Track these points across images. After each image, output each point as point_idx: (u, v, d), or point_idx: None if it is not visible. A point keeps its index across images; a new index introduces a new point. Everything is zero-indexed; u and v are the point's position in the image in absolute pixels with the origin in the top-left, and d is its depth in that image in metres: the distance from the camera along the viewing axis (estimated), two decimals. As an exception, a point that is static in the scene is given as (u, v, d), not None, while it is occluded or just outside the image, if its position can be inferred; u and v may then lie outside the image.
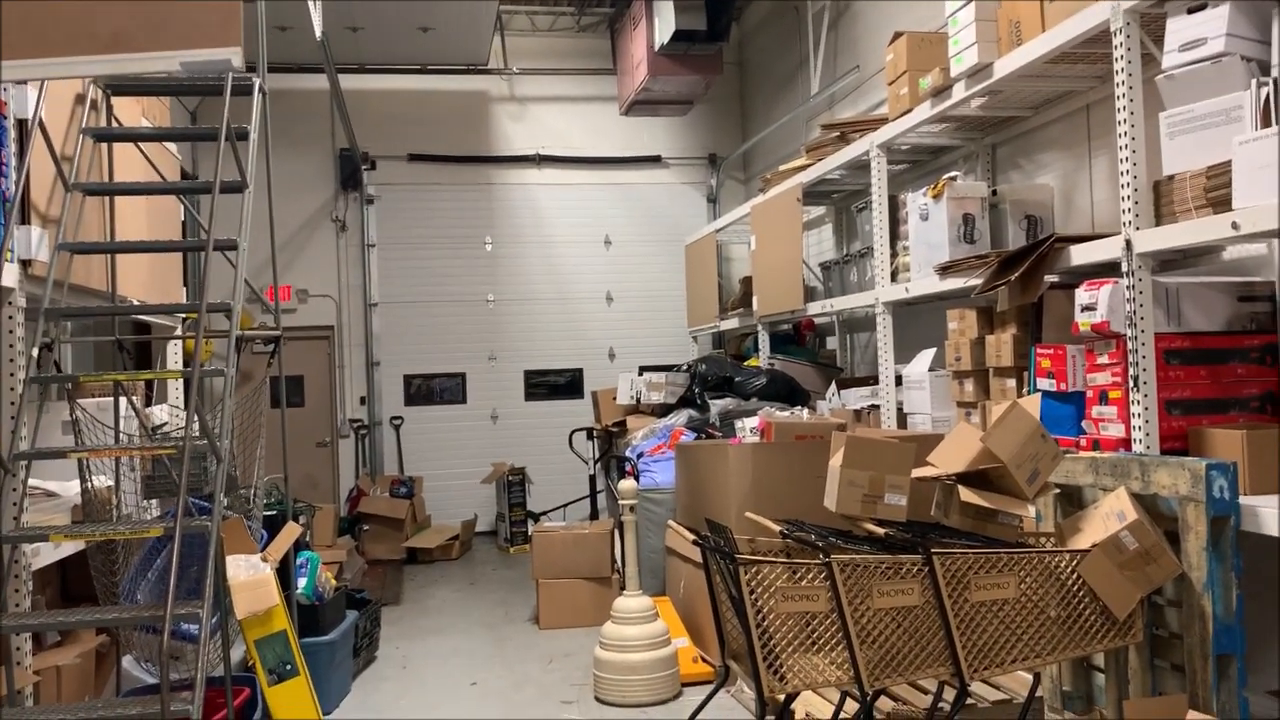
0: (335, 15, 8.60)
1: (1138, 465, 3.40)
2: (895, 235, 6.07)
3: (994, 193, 5.38)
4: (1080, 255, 4.18)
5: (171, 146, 5.82)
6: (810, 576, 3.12)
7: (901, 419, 5.93)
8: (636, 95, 9.77)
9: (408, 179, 10.99)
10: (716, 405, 7.37)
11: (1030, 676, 3.67)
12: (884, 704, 3.95)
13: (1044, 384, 4.28)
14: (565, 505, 9.98)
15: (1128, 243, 3.79)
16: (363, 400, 10.89)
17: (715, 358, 8.89)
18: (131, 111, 5.08)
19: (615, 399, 8.68)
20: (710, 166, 11.60)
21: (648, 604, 5.41)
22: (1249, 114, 3.34)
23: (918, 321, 6.49)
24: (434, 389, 11.07)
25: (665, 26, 8.80)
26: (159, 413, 5.59)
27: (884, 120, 6.07)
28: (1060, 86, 5.08)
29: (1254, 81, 3.36)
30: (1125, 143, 3.83)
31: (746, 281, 9.04)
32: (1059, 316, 4.43)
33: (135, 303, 5.00)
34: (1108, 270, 4.05)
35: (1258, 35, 3.48)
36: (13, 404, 3.69)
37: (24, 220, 3.86)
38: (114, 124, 4.75)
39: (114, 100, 4.73)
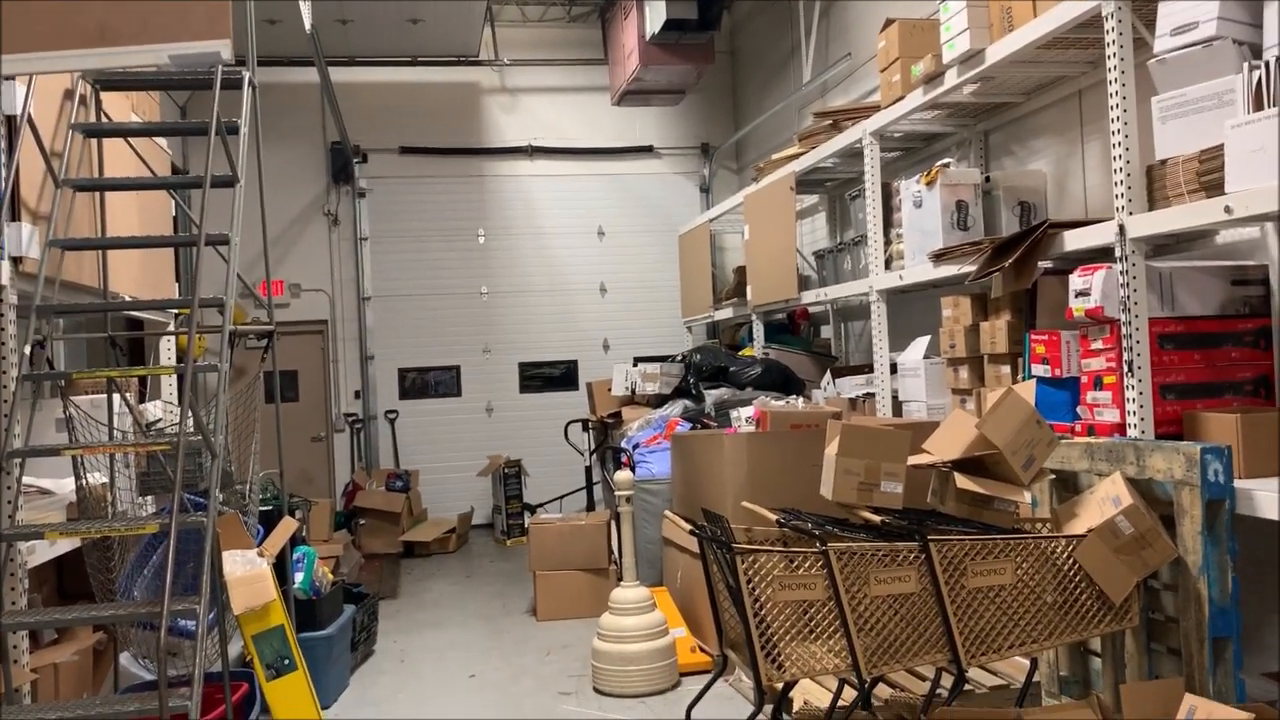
0: (324, 8, 8.55)
1: (1132, 450, 3.41)
2: (889, 223, 6.07)
3: (987, 179, 5.38)
4: (1074, 241, 4.18)
5: (162, 142, 5.79)
6: (807, 565, 3.12)
7: (897, 407, 5.94)
8: (628, 85, 9.74)
9: (399, 172, 10.96)
10: (712, 395, 7.37)
11: (1027, 662, 3.68)
12: (882, 691, 3.97)
13: (1038, 370, 4.29)
14: (562, 497, 9.98)
15: (1121, 228, 3.79)
16: (357, 394, 10.88)
17: (710, 348, 8.88)
18: (121, 107, 5.05)
19: (610, 390, 8.68)
20: (703, 156, 11.58)
21: (645, 595, 5.42)
22: (1241, 98, 3.34)
23: (912, 309, 6.49)
24: (428, 382, 11.06)
25: (656, 16, 8.77)
26: (153, 409, 5.57)
27: (876, 108, 6.06)
28: (1052, 72, 5.07)
29: (1246, 65, 3.35)
30: (1117, 128, 3.82)
31: (740, 271, 9.03)
32: (1053, 302, 4.43)
33: (127, 299, 4.98)
34: (1101, 255, 4.05)
35: (1249, 19, 3.47)
36: (6, 402, 3.68)
37: (14, 217, 3.84)
38: (103, 119, 4.72)
39: (103, 96, 4.71)
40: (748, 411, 6.19)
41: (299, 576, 5.32)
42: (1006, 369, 4.74)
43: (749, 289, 8.27)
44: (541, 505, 10.02)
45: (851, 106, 6.96)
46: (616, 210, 11.40)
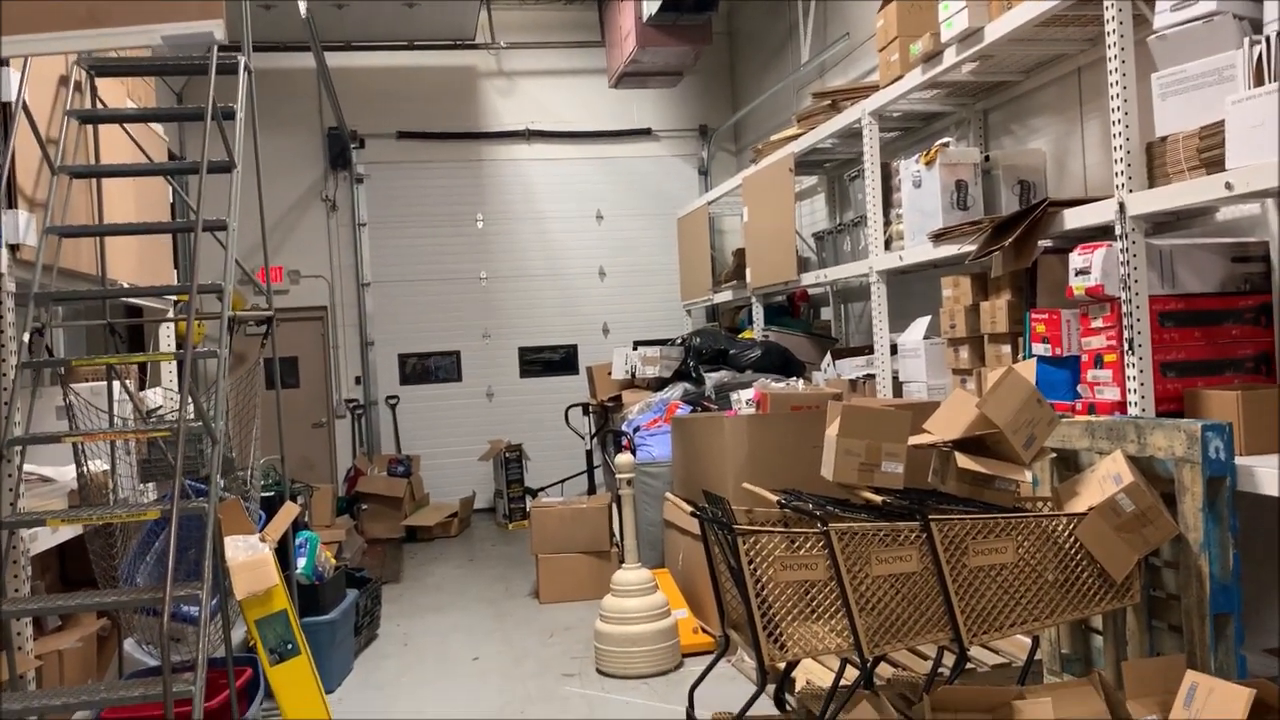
0: (320, -8, 8.51)
1: (1133, 428, 3.41)
2: (888, 203, 6.05)
3: (986, 158, 5.36)
4: (1074, 219, 4.16)
5: (158, 128, 5.76)
6: (809, 545, 3.13)
7: (897, 388, 5.94)
8: (625, 67, 9.69)
9: (397, 157, 10.92)
10: (712, 378, 7.36)
11: (1029, 640, 3.69)
12: (884, 670, 3.98)
13: (1039, 349, 4.28)
14: (563, 481, 10.00)
15: (1121, 206, 3.78)
16: (358, 380, 10.88)
17: (709, 330, 8.87)
18: (116, 93, 5.03)
19: (610, 374, 8.67)
20: (701, 138, 11.54)
21: (647, 576, 5.43)
22: (1241, 73, 3.32)
23: (912, 290, 6.48)
24: (429, 368, 11.06)
25: (653, -4, 8.72)
26: (153, 396, 5.57)
27: (875, 87, 6.03)
28: (1051, 50, 5.04)
29: (1246, 40, 3.34)
30: (1117, 105, 3.80)
31: (739, 253, 9.01)
32: (1053, 281, 4.42)
33: (126, 285, 4.97)
34: (1101, 234, 4.04)
35: (1250, -7, 3.45)
36: (5, 389, 3.68)
37: (10, 204, 3.83)
38: (99, 106, 4.70)
39: (99, 82, 4.68)
40: (748, 394, 6.19)
41: (301, 561, 5.33)
42: (1007, 348, 4.73)
43: (748, 271, 8.26)
44: (543, 489, 10.04)
45: (850, 87, 6.93)
46: (615, 193, 11.36)
